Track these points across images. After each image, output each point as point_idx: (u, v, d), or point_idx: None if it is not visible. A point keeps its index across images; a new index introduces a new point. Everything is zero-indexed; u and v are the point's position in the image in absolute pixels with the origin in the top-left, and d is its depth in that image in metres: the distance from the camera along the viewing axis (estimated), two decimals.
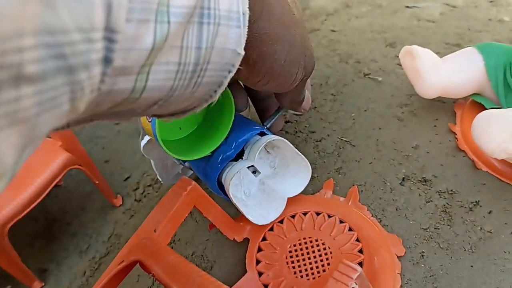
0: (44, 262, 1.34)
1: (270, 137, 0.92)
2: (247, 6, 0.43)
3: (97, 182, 1.37)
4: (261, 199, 1.01)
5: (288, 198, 1.03)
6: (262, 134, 0.95)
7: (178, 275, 0.68)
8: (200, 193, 0.86)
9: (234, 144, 0.92)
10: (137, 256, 0.74)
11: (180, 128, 0.95)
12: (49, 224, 1.43)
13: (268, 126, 0.99)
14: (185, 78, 0.42)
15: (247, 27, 0.44)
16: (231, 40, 0.43)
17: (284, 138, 1.18)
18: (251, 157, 0.92)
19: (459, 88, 1.06)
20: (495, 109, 0.87)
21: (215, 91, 0.48)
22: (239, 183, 0.96)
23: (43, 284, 1.29)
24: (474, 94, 1.08)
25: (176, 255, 0.72)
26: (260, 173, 1.00)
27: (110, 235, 1.37)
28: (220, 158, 0.92)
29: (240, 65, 0.47)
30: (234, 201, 0.91)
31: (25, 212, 1.17)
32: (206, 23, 0.40)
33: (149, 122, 0.81)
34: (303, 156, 0.97)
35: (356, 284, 0.66)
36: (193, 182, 0.84)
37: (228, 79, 0.47)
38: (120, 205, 1.43)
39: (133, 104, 0.41)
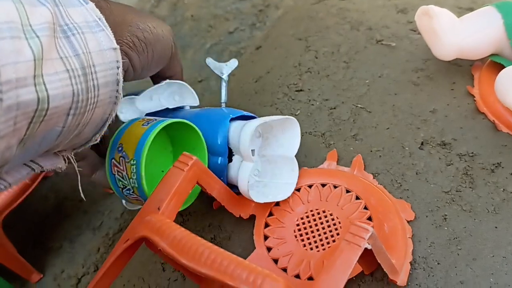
0: (57, 240, 1.33)
1: (252, 125, 0.89)
2: (99, 12, 0.54)
3: None
4: (273, 169, 0.99)
5: None
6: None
7: (186, 248, 0.66)
8: (202, 169, 0.84)
9: (219, 150, 0.92)
10: (143, 233, 0.72)
11: (162, 171, 0.96)
12: (60, 203, 1.41)
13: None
14: (81, 81, 0.49)
15: (109, 28, 0.54)
16: (103, 42, 0.53)
17: (297, 107, 1.16)
18: (246, 153, 0.89)
19: (477, 49, 1.03)
20: None
21: (117, 91, 0.57)
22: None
23: (41, 276, 1.28)
24: (493, 54, 1.05)
25: (181, 229, 0.70)
26: (254, 149, 0.98)
27: (122, 211, 1.36)
28: (218, 169, 0.93)
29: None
30: (256, 198, 0.89)
31: (18, 201, 1.14)
32: (71, 35, 0.49)
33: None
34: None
35: (368, 244, 0.64)
36: (195, 157, 0.81)
37: (122, 74, 0.56)
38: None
39: (51, 120, 0.47)
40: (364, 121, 1.10)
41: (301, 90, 1.23)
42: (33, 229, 1.35)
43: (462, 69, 1.14)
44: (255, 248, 0.92)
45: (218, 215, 1.02)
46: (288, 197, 0.97)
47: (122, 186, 0.85)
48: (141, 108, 0.96)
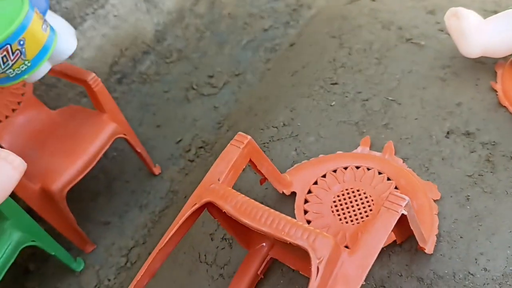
0: (107, 216, 1.46)
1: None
2: None
3: (139, 150, 1.46)
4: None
5: (328, 155, 1.15)
6: None
7: (248, 211, 0.78)
8: (255, 147, 0.96)
9: None
10: (209, 198, 0.84)
11: None
12: (109, 183, 1.54)
13: None
14: None
15: None
16: None
17: (332, 98, 1.27)
18: None
19: (501, 48, 1.13)
20: None
21: None
22: None
23: (94, 246, 1.41)
24: None
25: (242, 195, 0.82)
26: None
27: (167, 191, 1.48)
28: None
29: None
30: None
31: (80, 177, 1.27)
32: None
33: None
34: None
35: (405, 210, 0.75)
36: (249, 137, 0.93)
37: None
38: (160, 173, 1.53)
39: None
40: (394, 112, 1.21)
41: (336, 83, 1.34)
42: (86, 206, 1.48)
43: (486, 66, 1.23)
44: None
45: (261, 191, 1.13)
46: (326, 177, 1.08)
47: None
48: None
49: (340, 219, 1.01)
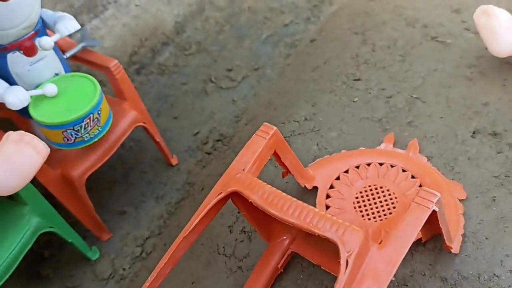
0: (123, 205, 1.46)
1: None
2: None
3: (157, 140, 1.45)
4: None
5: (350, 151, 1.14)
6: None
7: (275, 202, 0.77)
8: (280, 139, 0.95)
9: None
10: (235, 187, 0.83)
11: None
12: (126, 172, 1.54)
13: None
14: None
15: None
16: None
17: (355, 94, 1.26)
18: None
19: None
20: None
21: None
22: None
23: (111, 235, 1.40)
24: None
25: (268, 186, 0.81)
26: None
27: (183, 183, 1.48)
28: None
29: None
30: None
31: (99, 164, 1.27)
32: None
33: None
34: None
35: (436, 207, 0.73)
36: (275, 128, 0.92)
37: None
38: (176, 164, 1.52)
39: None
40: (419, 110, 1.19)
41: (359, 80, 1.32)
42: (102, 195, 1.48)
43: None
44: None
45: (282, 185, 1.12)
46: (348, 173, 1.07)
47: (76, 129, 1.11)
48: None
49: (363, 216, 1.00)
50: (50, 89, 1.13)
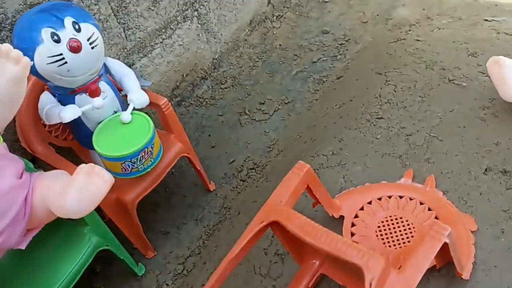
0: (166, 226, 1.62)
1: None
2: None
3: (198, 168, 1.61)
4: None
5: (373, 184, 1.28)
6: None
7: (309, 230, 0.92)
8: (312, 175, 1.09)
9: None
10: (276, 217, 0.98)
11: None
12: (168, 197, 1.70)
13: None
14: None
15: None
16: None
17: (378, 132, 1.40)
18: None
19: None
20: None
21: None
22: None
23: (155, 253, 1.56)
24: None
25: (304, 217, 0.95)
26: None
27: (220, 207, 1.63)
28: None
29: None
30: None
31: (149, 190, 1.43)
32: None
33: None
34: None
35: (447, 239, 0.86)
36: (308, 166, 1.07)
37: None
38: (214, 190, 1.68)
39: None
40: (436, 147, 1.32)
41: (381, 118, 1.46)
42: (147, 217, 1.64)
43: None
44: None
45: (311, 214, 1.26)
46: (371, 204, 1.21)
47: (133, 161, 1.28)
48: None
49: (384, 243, 1.13)
50: (98, 103, 1.30)
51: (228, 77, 2.09)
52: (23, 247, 1.16)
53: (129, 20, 1.67)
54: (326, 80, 1.92)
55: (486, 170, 1.23)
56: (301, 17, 2.30)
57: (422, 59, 1.64)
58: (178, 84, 1.95)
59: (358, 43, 2.02)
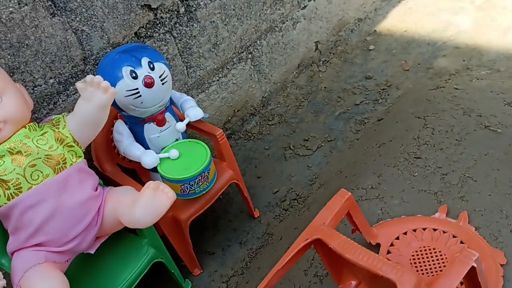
0: (212, 247, 1.75)
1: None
2: None
3: (246, 195, 1.76)
4: None
5: (409, 217, 1.38)
6: None
7: (349, 248, 1.03)
8: (353, 202, 1.21)
9: None
10: (319, 235, 1.10)
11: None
12: (215, 220, 1.85)
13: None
14: None
15: None
16: None
17: (415, 170, 1.51)
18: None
19: None
20: None
21: None
22: None
23: (201, 271, 1.69)
24: None
25: (344, 237, 1.07)
26: None
27: (263, 233, 1.75)
28: None
29: None
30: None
31: (201, 211, 1.58)
32: None
33: None
34: None
35: (474, 263, 0.96)
36: (349, 193, 1.19)
37: None
38: (258, 216, 1.81)
39: None
40: (470, 187, 1.42)
41: (419, 158, 1.57)
42: (196, 237, 1.78)
43: None
44: None
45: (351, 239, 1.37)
46: (406, 235, 1.31)
47: (191, 184, 1.44)
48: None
49: (417, 271, 1.22)
50: (174, 154, 1.48)
51: (276, 115, 2.25)
52: (92, 252, 1.33)
53: (192, 59, 1.87)
54: (368, 122, 2.05)
55: None
56: (346, 63, 2.46)
57: (460, 106, 1.75)
58: (229, 118, 2.13)
59: (399, 89, 2.16)
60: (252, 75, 2.16)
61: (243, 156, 2.10)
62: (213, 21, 1.89)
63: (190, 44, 1.84)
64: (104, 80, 1.25)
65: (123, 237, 1.48)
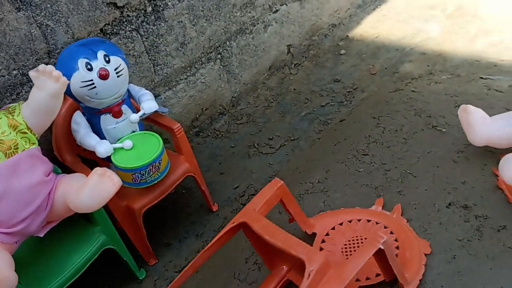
0: (170, 239, 1.81)
1: None
2: None
3: (203, 189, 1.81)
4: None
5: (347, 209, 1.43)
6: None
7: (270, 231, 1.09)
8: (285, 190, 1.27)
9: None
10: (244, 219, 1.15)
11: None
12: (176, 213, 1.90)
13: None
14: None
15: None
16: None
17: (361, 166, 1.56)
18: None
19: (503, 140, 1.37)
20: None
21: None
22: None
23: (156, 261, 1.74)
24: None
25: (268, 221, 1.12)
26: None
27: (220, 226, 1.80)
28: None
29: None
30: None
31: (155, 201, 1.63)
32: None
33: None
34: None
35: (382, 246, 1.00)
36: (282, 182, 1.25)
37: None
38: (216, 210, 1.86)
39: None
40: (409, 182, 1.47)
41: (366, 155, 1.63)
42: (155, 228, 1.84)
43: (494, 155, 1.47)
44: None
45: (291, 231, 1.41)
46: (342, 225, 1.36)
47: (142, 173, 1.49)
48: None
49: (347, 258, 1.27)
50: (128, 144, 1.54)
51: (244, 114, 2.31)
52: (42, 235, 1.38)
53: (159, 57, 1.94)
54: (330, 122, 2.10)
55: (449, 204, 1.36)
56: (317, 66, 2.52)
57: (413, 107, 1.80)
58: (197, 116, 2.19)
59: (364, 92, 2.21)
60: (222, 75, 2.23)
61: (209, 153, 2.16)
62: (181, 21, 1.97)
63: (157, 43, 1.92)
64: (61, 71, 1.32)
65: (77, 223, 1.54)
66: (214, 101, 2.25)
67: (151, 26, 1.87)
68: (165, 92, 2.02)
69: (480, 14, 2.54)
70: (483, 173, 1.42)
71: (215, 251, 1.18)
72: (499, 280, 1.14)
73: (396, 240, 1.27)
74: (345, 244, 1.31)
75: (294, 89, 2.40)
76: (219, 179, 2.02)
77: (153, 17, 1.87)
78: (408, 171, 1.50)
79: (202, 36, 2.08)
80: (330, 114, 2.17)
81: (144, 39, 1.87)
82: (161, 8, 1.88)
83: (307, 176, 1.66)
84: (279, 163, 2.00)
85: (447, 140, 1.58)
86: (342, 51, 2.57)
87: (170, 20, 1.92)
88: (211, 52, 2.15)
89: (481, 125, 1.37)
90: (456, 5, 2.64)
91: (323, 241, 1.34)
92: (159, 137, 1.57)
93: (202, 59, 2.12)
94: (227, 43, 2.21)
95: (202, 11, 2.03)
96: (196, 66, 2.11)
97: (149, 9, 1.85)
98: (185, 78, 2.08)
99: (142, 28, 1.85)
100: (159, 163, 1.53)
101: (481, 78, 1.99)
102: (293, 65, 2.54)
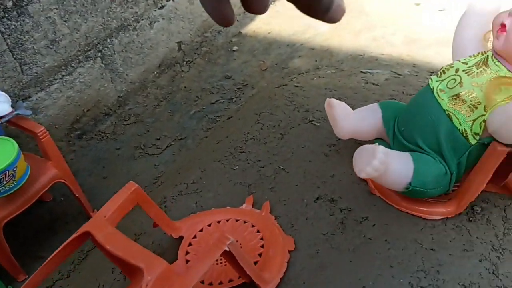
0: (43, 251, 1.67)
1: None
2: None
3: (77, 195, 1.70)
4: None
5: (217, 209, 1.39)
6: None
7: (112, 241, 1.02)
8: (142, 194, 1.20)
9: None
10: (88, 228, 1.07)
11: None
12: (52, 222, 1.77)
13: None
14: None
15: None
16: None
17: (237, 163, 1.52)
18: None
19: (364, 132, 1.40)
20: (368, 144, 1.19)
21: None
22: None
23: (26, 276, 1.61)
24: (377, 138, 1.41)
25: (114, 229, 1.05)
26: None
27: None
28: None
29: None
30: None
31: (18, 213, 1.50)
32: None
33: None
34: None
35: (228, 248, 0.97)
36: (136, 186, 1.18)
37: None
38: None
39: None
40: (282, 178, 1.46)
41: (243, 152, 1.60)
42: (26, 241, 1.70)
43: None
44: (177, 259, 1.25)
45: (160, 235, 1.36)
46: (210, 226, 1.31)
47: None
48: None
49: (216, 261, 1.23)
50: None
51: (132, 115, 2.21)
52: None
53: (26, 56, 1.79)
54: (219, 120, 2.06)
55: (317, 198, 1.36)
56: (209, 63, 2.48)
57: (293, 102, 1.80)
58: (78, 118, 2.06)
59: (254, 88, 2.20)
60: (104, 74, 2.11)
61: (92, 157, 2.04)
62: (49, 17, 1.83)
63: (23, 40, 1.77)
64: None
65: None
66: (98, 102, 2.12)
67: (13, 22, 1.72)
68: (37, 93, 1.87)
69: (367, 10, 2.62)
70: (351, 166, 1.43)
71: (58, 264, 1.09)
72: (357, 272, 1.15)
73: (262, 238, 1.25)
74: None
75: (185, 87, 2.34)
76: (101, 184, 1.91)
77: (15, 13, 1.72)
78: (281, 167, 1.49)
79: (77, 33, 1.95)
80: (219, 112, 2.13)
81: (6, 36, 1.71)
82: (24, 3, 1.74)
83: (184, 176, 1.60)
84: (164, 163, 1.93)
85: (321, 134, 1.59)
86: (235, 48, 2.54)
87: (36, 15, 1.78)
88: (89, 50, 2.03)
89: (344, 119, 1.38)
90: (344, 1, 2.69)
91: (190, 244, 1.29)
92: (14, 142, 1.44)
93: (79, 57, 1.99)
94: (108, 40, 2.09)
95: (74, 6, 1.90)
96: (73, 64, 1.98)
97: (10, 4, 1.70)
98: (60, 78, 1.94)
99: (3, 24, 1.69)
100: (14, 170, 1.40)
101: (361, 72, 2.04)
102: (184, 62, 2.47)
